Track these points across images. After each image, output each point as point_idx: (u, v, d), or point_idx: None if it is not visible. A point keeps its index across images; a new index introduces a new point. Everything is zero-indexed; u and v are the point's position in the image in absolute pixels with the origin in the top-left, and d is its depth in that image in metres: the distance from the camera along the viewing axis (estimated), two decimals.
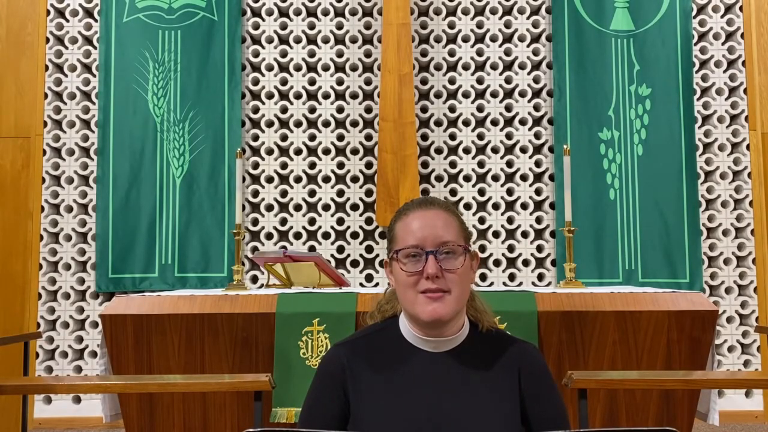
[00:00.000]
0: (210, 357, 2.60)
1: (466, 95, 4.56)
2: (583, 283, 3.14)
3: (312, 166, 4.52)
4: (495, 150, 4.53)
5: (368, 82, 4.56)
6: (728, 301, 4.43)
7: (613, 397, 2.66)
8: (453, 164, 4.51)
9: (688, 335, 2.61)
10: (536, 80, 4.56)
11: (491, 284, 4.42)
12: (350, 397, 1.46)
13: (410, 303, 1.46)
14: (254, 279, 4.44)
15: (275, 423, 2.51)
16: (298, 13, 4.59)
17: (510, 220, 4.49)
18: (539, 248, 4.47)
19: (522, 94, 4.55)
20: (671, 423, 2.64)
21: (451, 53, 4.57)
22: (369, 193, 4.49)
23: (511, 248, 4.46)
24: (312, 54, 4.58)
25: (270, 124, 4.56)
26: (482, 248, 4.45)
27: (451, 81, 4.55)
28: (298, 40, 4.58)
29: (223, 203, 4.41)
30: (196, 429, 2.65)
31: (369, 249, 4.47)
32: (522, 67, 4.57)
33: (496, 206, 4.49)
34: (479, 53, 4.58)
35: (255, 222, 4.49)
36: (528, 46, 4.58)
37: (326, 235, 4.46)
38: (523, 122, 4.53)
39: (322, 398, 1.49)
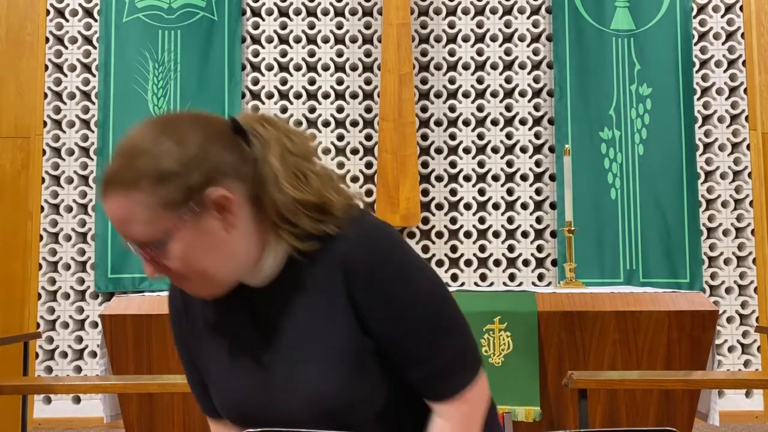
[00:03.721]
0: None
1: (466, 95, 4.56)
2: (584, 283, 3.14)
3: None
4: (495, 150, 4.53)
5: (368, 82, 4.55)
6: (728, 301, 4.43)
7: (613, 397, 2.66)
8: (453, 164, 4.51)
9: (688, 335, 2.61)
10: (536, 80, 4.56)
11: (491, 284, 4.42)
12: (191, 342, 1.26)
13: None
14: None
15: None
16: (298, 12, 4.59)
17: (510, 220, 4.49)
18: (539, 248, 4.46)
19: (522, 94, 4.55)
20: (671, 423, 2.64)
21: (451, 53, 4.57)
22: (369, 193, 4.49)
23: (511, 248, 4.46)
24: (312, 54, 4.58)
25: None
26: (482, 248, 4.45)
27: (451, 81, 4.55)
28: (297, 40, 4.57)
29: None
30: (196, 429, 2.65)
31: None
32: (522, 66, 4.56)
33: (496, 206, 4.49)
34: (479, 53, 4.58)
35: None
36: (528, 45, 4.58)
37: None
38: (523, 122, 4.53)
39: (179, 350, 1.30)
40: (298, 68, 4.56)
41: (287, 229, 1.10)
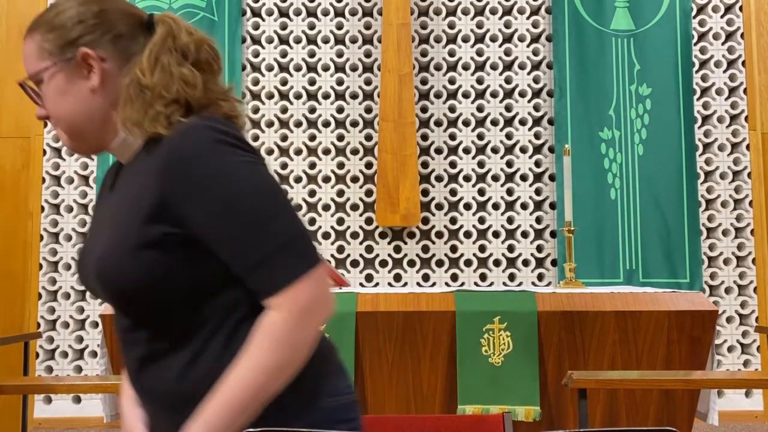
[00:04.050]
0: None
1: (466, 95, 4.56)
2: (584, 283, 3.15)
3: (312, 166, 4.52)
4: (495, 150, 4.53)
5: (368, 82, 4.56)
6: (728, 301, 4.43)
7: (613, 397, 2.66)
8: (453, 164, 4.51)
9: (688, 335, 2.62)
10: (536, 80, 4.56)
11: (491, 284, 4.42)
12: None
13: None
14: None
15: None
16: (298, 13, 4.59)
17: (510, 220, 4.49)
18: (539, 248, 4.47)
19: (522, 94, 4.55)
20: (671, 423, 2.64)
21: (451, 53, 4.57)
22: (369, 193, 4.49)
23: (511, 248, 4.46)
24: (312, 54, 4.58)
25: (270, 124, 4.56)
26: (482, 248, 4.45)
27: (451, 81, 4.55)
28: (298, 40, 4.58)
29: None
30: None
31: (369, 249, 4.47)
32: (522, 67, 4.57)
33: (496, 206, 4.49)
34: (479, 53, 4.58)
35: None
36: (528, 46, 4.58)
37: (326, 235, 4.46)
38: (523, 122, 4.53)
39: None
40: (298, 68, 4.56)
41: (120, 113, 1.18)
